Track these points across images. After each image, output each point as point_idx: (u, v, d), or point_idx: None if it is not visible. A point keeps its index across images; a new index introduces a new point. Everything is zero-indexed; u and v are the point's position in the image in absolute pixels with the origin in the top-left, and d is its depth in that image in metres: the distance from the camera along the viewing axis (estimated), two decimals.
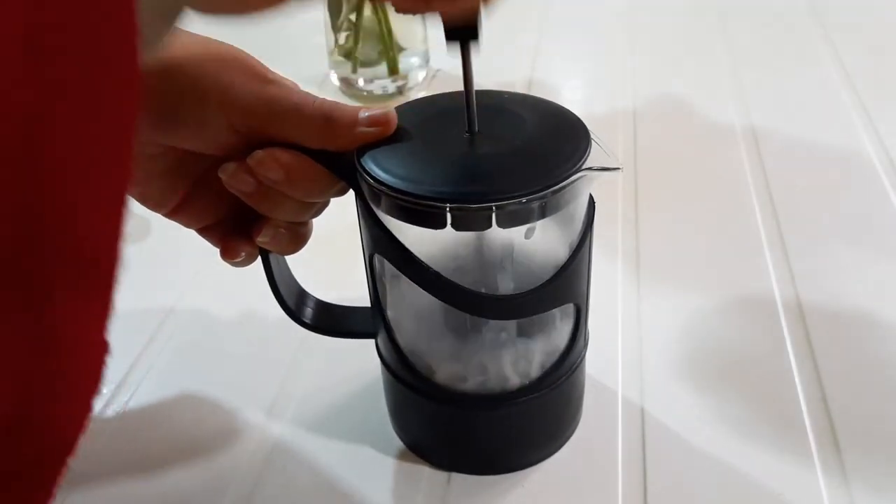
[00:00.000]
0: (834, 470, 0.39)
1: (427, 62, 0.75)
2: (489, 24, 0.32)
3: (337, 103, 0.34)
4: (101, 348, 0.21)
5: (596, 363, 0.43)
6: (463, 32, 0.32)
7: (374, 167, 0.33)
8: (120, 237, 0.20)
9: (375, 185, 0.33)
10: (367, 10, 0.70)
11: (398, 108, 0.36)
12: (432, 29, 0.75)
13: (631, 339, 0.47)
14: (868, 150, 0.62)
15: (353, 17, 0.71)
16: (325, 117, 0.34)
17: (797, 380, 0.44)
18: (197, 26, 0.28)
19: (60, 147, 0.18)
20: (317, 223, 0.39)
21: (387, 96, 0.73)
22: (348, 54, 0.72)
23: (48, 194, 0.18)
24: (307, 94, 0.35)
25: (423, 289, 0.35)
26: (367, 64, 0.72)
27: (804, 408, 0.42)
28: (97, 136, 0.18)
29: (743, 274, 0.51)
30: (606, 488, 0.39)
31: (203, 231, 0.39)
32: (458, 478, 0.40)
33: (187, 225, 0.39)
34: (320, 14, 0.73)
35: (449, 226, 0.32)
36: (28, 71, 0.17)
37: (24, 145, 0.17)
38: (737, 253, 0.53)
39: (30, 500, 0.21)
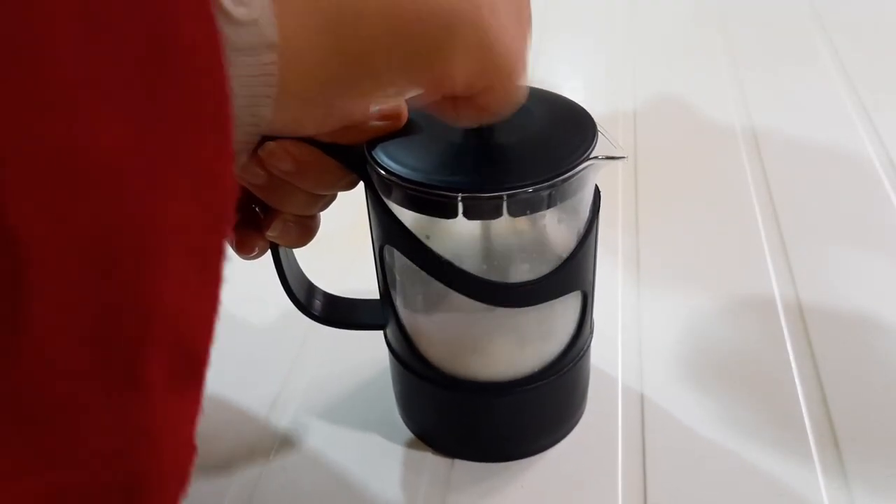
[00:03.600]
0: (834, 470, 0.39)
1: None
2: None
3: None
4: (190, 448, 0.20)
5: (596, 363, 0.43)
6: None
7: (386, 158, 0.33)
8: (212, 334, 0.19)
9: (387, 176, 0.33)
10: None
11: (407, 101, 0.36)
12: None
13: (631, 340, 0.47)
14: (868, 150, 0.62)
15: None
16: None
17: (797, 380, 0.44)
18: None
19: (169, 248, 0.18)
20: (321, 219, 0.39)
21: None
22: None
23: (150, 275, 0.18)
24: None
25: (434, 278, 0.35)
26: None
27: (804, 408, 0.42)
28: (195, 249, 0.19)
29: (743, 274, 0.51)
30: (608, 477, 0.39)
31: None
32: (464, 464, 0.40)
33: None
34: None
35: (461, 215, 0.32)
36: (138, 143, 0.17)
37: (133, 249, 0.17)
38: (737, 252, 0.53)
39: None
